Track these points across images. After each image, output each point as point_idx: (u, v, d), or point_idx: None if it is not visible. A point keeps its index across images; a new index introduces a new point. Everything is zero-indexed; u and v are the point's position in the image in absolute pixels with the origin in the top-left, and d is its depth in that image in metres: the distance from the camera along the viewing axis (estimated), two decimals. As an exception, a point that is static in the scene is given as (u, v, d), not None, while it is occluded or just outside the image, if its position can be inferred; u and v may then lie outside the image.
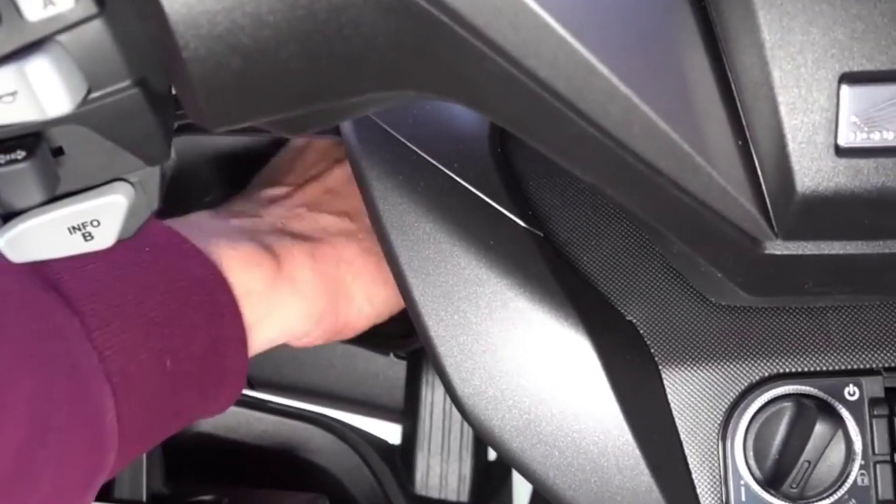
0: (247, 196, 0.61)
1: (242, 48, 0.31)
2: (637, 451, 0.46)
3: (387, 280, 0.55)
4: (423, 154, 0.48)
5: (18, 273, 0.46)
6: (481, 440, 0.66)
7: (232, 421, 0.64)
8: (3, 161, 0.33)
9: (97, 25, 0.31)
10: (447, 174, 0.48)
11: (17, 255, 0.37)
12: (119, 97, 0.33)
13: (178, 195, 0.56)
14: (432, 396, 0.65)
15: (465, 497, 0.64)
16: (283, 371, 0.69)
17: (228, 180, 0.65)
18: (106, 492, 0.55)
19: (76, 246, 0.38)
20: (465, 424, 0.65)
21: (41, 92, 0.31)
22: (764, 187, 0.37)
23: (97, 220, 0.38)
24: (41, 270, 0.46)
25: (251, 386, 0.69)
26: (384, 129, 0.49)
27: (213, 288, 0.51)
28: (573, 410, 0.46)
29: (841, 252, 0.39)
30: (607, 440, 0.46)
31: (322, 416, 0.65)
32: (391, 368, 0.69)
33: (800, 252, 0.39)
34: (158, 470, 0.58)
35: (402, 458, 0.66)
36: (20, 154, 0.33)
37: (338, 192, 0.60)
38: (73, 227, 0.37)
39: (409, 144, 0.48)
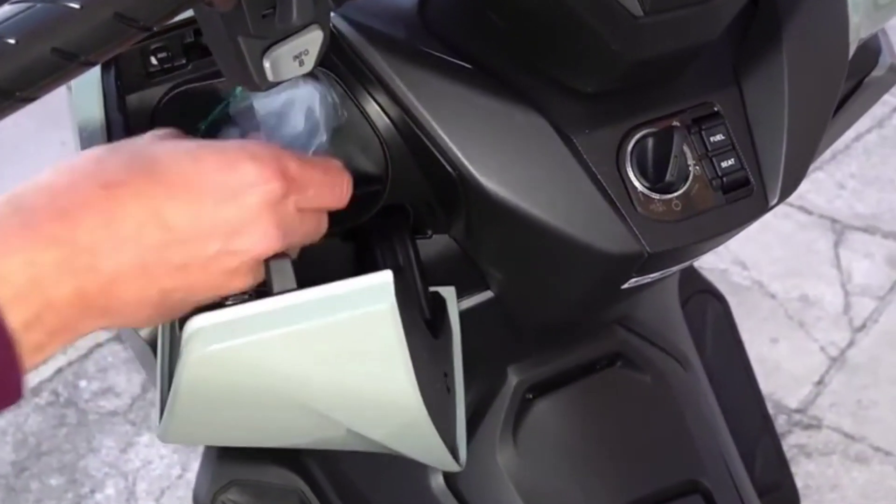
0: None
1: None
2: (585, 176, 0.76)
3: None
4: (394, 35, 0.76)
5: None
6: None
7: None
8: None
9: None
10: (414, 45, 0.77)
11: (272, 76, 0.60)
12: None
13: None
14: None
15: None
16: None
17: None
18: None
19: (295, 70, 0.61)
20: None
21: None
22: None
23: (307, 49, 0.61)
24: None
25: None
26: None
27: None
28: (538, 158, 0.75)
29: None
30: (560, 166, 0.76)
31: None
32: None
33: (655, 21, 0.71)
34: None
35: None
36: None
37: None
38: (295, 56, 0.61)
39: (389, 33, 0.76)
